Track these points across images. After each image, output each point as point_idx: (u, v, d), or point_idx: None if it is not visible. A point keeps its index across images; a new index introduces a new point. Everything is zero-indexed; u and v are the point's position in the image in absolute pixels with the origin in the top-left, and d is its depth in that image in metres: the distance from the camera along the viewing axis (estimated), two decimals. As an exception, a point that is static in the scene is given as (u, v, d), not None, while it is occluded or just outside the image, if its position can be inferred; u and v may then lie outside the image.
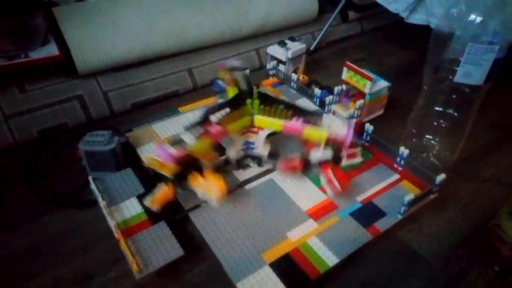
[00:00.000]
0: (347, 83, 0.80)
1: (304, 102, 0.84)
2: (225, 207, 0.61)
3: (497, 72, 0.58)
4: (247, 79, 0.67)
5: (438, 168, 0.68)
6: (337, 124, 0.63)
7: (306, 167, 0.63)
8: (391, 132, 0.76)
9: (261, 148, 0.66)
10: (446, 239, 0.59)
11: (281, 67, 0.91)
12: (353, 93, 0.81)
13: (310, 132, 0.63)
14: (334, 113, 0.81)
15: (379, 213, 0.61)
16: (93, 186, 0.61)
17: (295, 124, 0.63)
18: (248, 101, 0.65)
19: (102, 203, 0.58)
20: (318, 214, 0.60)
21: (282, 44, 0.89)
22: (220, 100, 0.75)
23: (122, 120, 0.80)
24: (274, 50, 0.90)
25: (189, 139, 0.61)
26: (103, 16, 0.82)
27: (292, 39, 0.91)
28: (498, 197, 0.65)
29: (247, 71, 0.71)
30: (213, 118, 0.64)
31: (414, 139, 0.72)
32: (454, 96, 0.65)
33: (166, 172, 0.58)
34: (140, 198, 0.61)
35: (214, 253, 0.54)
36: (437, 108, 0.68)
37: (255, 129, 0.67)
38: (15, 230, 0.58)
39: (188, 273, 0.53)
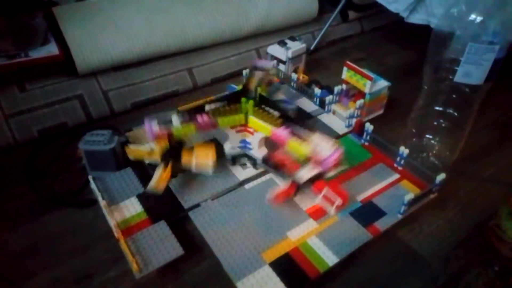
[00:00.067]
0: (347, 83, 0.80)
1: (304, 102, 0.84)
2: (225, 206, 0.61)
3: (497, 72, 0.58)
4: (260, 82, 0.67)
5: (438, 168, 0.68)
6: (324, 144, 0.59)
7: (298, 190, 0.60)
8: (391, 132, 0.76)
9: (256, 150, 0.66)
10: (446, 239, 0.59)
11: (281, 67, 0.91)
12: (353, 93, 0.81)
13: (293, 145, 0.61)
14: (334, 112, 0.81)
15: (379, 213, 0.61)
16: (93, 185, 0.61)
17: (282, 133, 0.62)
18: (243, 100, 0.65)
19: (102, 203, 0.58)
20: (318, 213, 0.60)
21: (282, 43, 0.89)
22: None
23: (122, 119, 0.80)
24: (274, 49, 0.90)
25: (176, 122, 0.62)
26: (103, 16, 0.82)
27: (292, 38, 0.91)
28: (498, 197, 0.65)
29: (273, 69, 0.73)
30: (207, 107, 0.64)
31: (414, 139, 0.72)
32: (454, 96, 0.65)
33: (153, 158, 0.59)
34: (140, 197, 0.61)
35: (214, 252, 0.54)
36: (437, 108, 0.68)
37: (251, 129, 0.67)
38: (15, 229, 0.58)
39: (188, 272, 0.53)
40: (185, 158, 0.60)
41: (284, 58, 0.89)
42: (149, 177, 0.64)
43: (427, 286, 0.53)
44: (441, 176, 0.62)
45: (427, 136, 0.71)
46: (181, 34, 0.86)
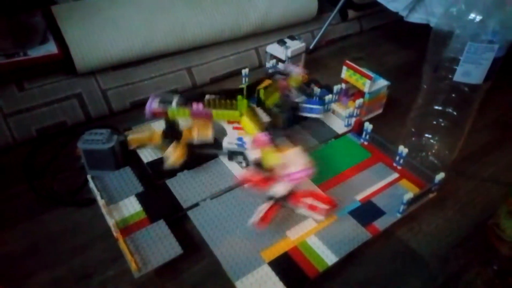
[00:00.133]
0: (346, 82, 0.80)
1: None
2: (224, 206, 0.61)
3: (497, 71, 0.58)
4: (214, 90, 0.67)
5: (437, 167, 0.68)
6: (297, 161, 0.56)
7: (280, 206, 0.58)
8: (391, 131, 0.76)
9: (250, 151, 0.65)
10: (445, 238, 0.59)
11: (281, 66, 0.91)
12: (353, 92, 0.81)
13: (266, 153, 0.59)
14: (333, 112, 0.81)
15: (378, 212, 0.61)
16: (92, 184, 0.61)
17: (262, 138, 0.60)
18: (239, 97, 0.63)
19: (101, 202, 0.58)
20: (317, 213, 0.60)
21: (282, 43, 0.89)
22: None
23: (121, 118, 0.80)
24: (274, 49, 0.90)
25: (174, 104, 0.63)
26: (102, 15, 0.82)
27: (292, 37, 0.91)
28: (497, 196, 0.65)
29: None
30: (207, 97, 0.64)
31: (413, 138, 0.72)
32: (453, 95, 0.65)
33: (154, 143, 0.63)
34: (139, 196, 0.61)
35: (213, 251, 0.54)
36: (436, 107, 0.68)
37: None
38: (14, 228, 0.58)
39: (187, 271, 0.53)
40: (185, 135, 0.63)
41: (283, 57, 0.89)
42: (149, 176, 0.64)
43: (426, 286, 0.53)
44: (440, 176, 0.62)
45: (427, 135, 0.71)
46: (180, 33, 0.86)
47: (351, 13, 1.15)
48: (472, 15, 0.56)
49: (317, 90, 0.83)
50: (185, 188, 0.63)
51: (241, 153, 0.67)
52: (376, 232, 0.58)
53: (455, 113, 0.67)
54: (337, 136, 0.76)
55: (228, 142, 0.66)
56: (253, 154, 0.64)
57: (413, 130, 0.72)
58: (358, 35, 1.18)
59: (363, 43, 1.14)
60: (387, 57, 1.07)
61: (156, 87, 0.85)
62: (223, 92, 0.65)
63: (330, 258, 0.54)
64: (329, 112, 0.81)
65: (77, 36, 0.77)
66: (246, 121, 0.63)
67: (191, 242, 0.56)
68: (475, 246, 0.58)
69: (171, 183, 0.64)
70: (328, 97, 0.80)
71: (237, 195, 0.63)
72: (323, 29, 1.07)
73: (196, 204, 0.61)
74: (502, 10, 0.55)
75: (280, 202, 0.56)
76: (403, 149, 0.67)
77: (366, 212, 0.60)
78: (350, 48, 1.11)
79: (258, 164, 0.62)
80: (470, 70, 0.58)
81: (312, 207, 0.57)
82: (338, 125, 0.78)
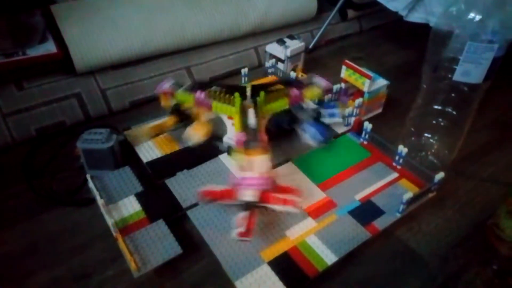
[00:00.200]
0: (346, 82, 0.80)
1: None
2: (223, 205, 0.60)
3: (496, 71, 0.58)
4: (220, 83, 0.69)
5: (437, 167, 0.68)
6: (257, 168, 0.55)
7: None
8: (390, 131, 0.76)
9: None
10: (444, 238, 0.59)
11: (280, 65, 0.91)
12: (352, 92, 0.81)
13: (237, 153, 0.59)
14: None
15: (377, 212, 0.61)
16: (91, 184, 0.61)
17: (237, 138, 0.59)
18: (236, 94, 0.62)
19: (100, 202, 0.58)
20: (316, 212, 0.60)
21: (281, 42, 0.89)
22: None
23: (120, 118, 0.79)
24: (273, 48, 0.90)
25: (182, 87, 0.66)
26: (101, 14, 0.82)
27: (291, 37, 0.91)
28: (497, 196, 0.65)
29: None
30: (214, 88, 0.65)
31: (413, 138, 0.72)
32: (453, 95, 0.65)
33: (168, 126, 0.67)
34: (139, 196, 0.61)
35: (213, 251, 0.54)
36: (436, 107, 0.68)
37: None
38: (13, 228, 0.58)
39: (186, 271, 0.53)
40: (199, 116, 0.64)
41: (282, 57, 0.89)
42: (148, 176, 0.64)
43: (426, 285, 0.53)
44: (439, 175, 0.62)
45: (426, 135, 0.71)
46: (179, 33, 0.86)
47: (350, 13, 1.15)
48: (471, 15, 0.56)
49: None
50: (184, 188, 0.63)
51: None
52: (375, 232, 0.58)
53: (454, 112, 0.67)
54: (337, 136, 0.76)
55: (228, 138, 0.66)
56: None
57: (412, 129, 0.72)
58: (357, 35, 1.18)
59: (362, 42, 1.14)
60: (386, 57, 1.07)
61: (155, 87, 0.84)
62: (229, 87, 0.65)
63: (329, 257, 0.54)
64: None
65: (76, 35, 0.77)
66: (236, 118, 0.63)
67: (191, 242, 0.56)
68: (474, 246, 0.58)
69: (171, 182, 0.64)
70: (328, 97, 0.80)
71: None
72: (322, 29, 1.07)
73: (196, 204, 0.61)
74: (502, 9, 0.55)
75: (255, 207, 0.55)
76: (402, 149, 0.67)
77: (366, 212, 0.60)
78: (350, 47, 1.11)
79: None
80: (470, 70, 0.58)
81: (285, 201, 0.55)
82: (338, 125, 0.78)
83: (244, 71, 0.88)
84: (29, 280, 0.51)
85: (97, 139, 0.62)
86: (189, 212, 0.59)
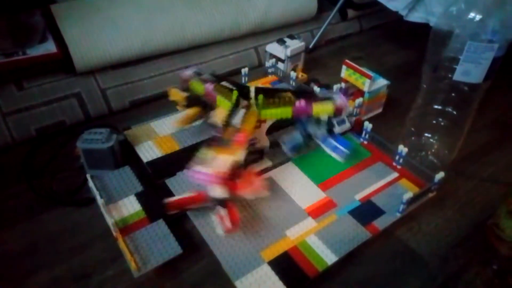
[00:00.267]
0: (346, 81, 0.80)
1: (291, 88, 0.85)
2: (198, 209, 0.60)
3: (496, 70, 0.58)
4: (231, 80, 0.67)
5: (437, 167, 0.68)
6: (215, 166, 0.54)
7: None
8: (390, 131, 0.76)
9: (263, 141, 0.66)
10: (444, 238, 0.59)
11: (280, 65, 0.91)
12: (352, 91, 0.81)
13: (318, 106, 0.62)
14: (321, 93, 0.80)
15: (377, 212, 0.61)
16: (91, 184, 0.61)
17: (302, 105, 0.61)
18: (234, 92, 0.63)
19: (100, 201, 0.58)
20: (317, 212, 0.60)
21: (281, 42, 0.89)
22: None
23: (120, 118, 0.79)
24: (273, 48, 0.90)
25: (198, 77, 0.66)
26: (101, 14, 0.82)
27: (291, 37, 0.91)
28: (497, 196, 0.65)
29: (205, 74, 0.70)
30: (223, 83, 0.65)
31: (413, 138, 0.72)
32: (453, 95, 0.65)
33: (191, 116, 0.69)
34: (139, 196, 0.61)
35: (213, 251, 0.54)
36: (436, 107, 0.68)
37: (258, 124, 0.66)
38: (13, 228, 0.58)
39: (186, 271, 0.53)
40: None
41: (283, 57, 0.89)
42: (148, 176, 0.64)
43: (426, 285, 0.53)
44: (440, 175, 0.62)
45: (426, 134, 0.71)
46: (179, 33, 0.86)
47: (350, 13, 1.15)
48: (471, 15, 0.56)
49: (316, 89, 0.82)
50: (184, 188, 0.63)
51: (249, 153, 0.66)
52: (375, 232, 0.58)
53: (454, 112, 0.67)
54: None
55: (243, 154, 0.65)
56: (266, 141, 0.67)
57: (412, 129, 0.72)
58: (357, 35, 1.18)
59: (362, 42, 1.14)
60: (386, 57, 1.07)
61: (155, 86, 0.85)
62: (237, 85, 0.65)
63: (329, 257, 0.54)
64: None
65: (76, 35, 0.77)
66: (270, 111, 0.63)
67: (191, 242, 0.56)
68: (474, 246, 0.58)
69: (171, 182, 0.64)
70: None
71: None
72: (322, 29, 1.07)
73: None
74: (502, 9, 0.55)
75: (228, 200, 0.55)
76: (402, 149, 0.67)
77: (366, 212, 0.60)
78: (350, 47, 1.11)
79: (274, 144, 0.67)
80: (470, 70, 0.58)
81: (221, 218, 0.54)
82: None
83: (244, 71, 0.88)
84: (29, 280, 0.51)
85: (97, 139, 0.62)
86: (189, 212, 0.59)
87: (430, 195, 0.64)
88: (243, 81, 0.88)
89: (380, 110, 0.83)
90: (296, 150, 0.63)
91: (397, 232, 0.59)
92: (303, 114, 0.63)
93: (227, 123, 0.60)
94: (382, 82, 0.78)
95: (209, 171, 0.53)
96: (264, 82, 0.90)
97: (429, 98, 0.68)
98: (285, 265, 0.53)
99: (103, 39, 0.78)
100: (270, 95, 0.64)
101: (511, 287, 0.53)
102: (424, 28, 0.77)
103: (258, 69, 0.97)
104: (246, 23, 0.93)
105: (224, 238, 0.56)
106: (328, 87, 0.85)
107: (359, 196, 0.63)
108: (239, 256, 0.53)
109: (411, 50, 1.09)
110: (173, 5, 0.87)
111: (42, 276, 0.52)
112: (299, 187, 0.64)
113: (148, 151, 0.69)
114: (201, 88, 0.66)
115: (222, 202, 0.54)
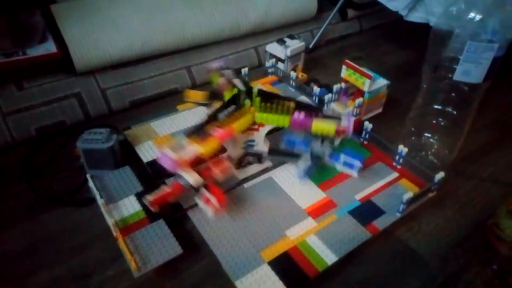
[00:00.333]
0: (346, 81, 0.80)
1: (303, 100, 0.84)
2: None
3: (496, 70, 0.58)
4: (242, 79, 0.66)
5: (437, 167, 0.68)
6: (181, 152, 0.55)
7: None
8: (390, 131, 0.76)
9: (261, 145, 0.66)
10: (444, 238, 0.59)
11: (280, 65, 0.91)
12: (352, 91, 0.81)
13: (318, 124, 0.60)
14: (333, 111, 0.81)
15: (377, 212, 0.61)
16: (91, 184, 0.61)
17: (301, 118, 0.60)
18: (246, 101, 0.63)
19: (100, 201, 0.58)
20: (317, 212, 0.60)
21: (281, 42, 0.89)
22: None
23: (120, 118, 0.79)
24: (273, 48, 0.90)
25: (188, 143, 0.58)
26: (101, 14, 0.82)
27: (291, 37, 0.91)
28: (497, 196, 0.65)
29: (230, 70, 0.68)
30: (220, 115, 0.63)
31: (413, 138, 0.72)
32: (453, 95, 0.65)
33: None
34: (139, 196, 0.61)
35: (213, 251, 0.54)
36: (436, 107, 0.68)
37: (256, 126, 0.66)
38: (13, 228, 0.58)
39: (186, 271, 0.53)
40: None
41: (283, 57, 0.89)
42: (148, 176, 0.64)
43: (426, 285, 0.53)
44: (440, 175, 0.62)
45: (426, 134, 0.71)
46: (179, 33, 0.86)
47: (350, 13, 1.15)
48: (471, 15, 0.56)
49: (316, 89, 0.82)
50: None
51: (249, 154, 0.67)
52: (375, 232, 0.58)
53: (454, 112, 0.67)
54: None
55: (234, 152, 0.66)
56: (264, 146, 0.67)
57: (412, 129, 0.72)
58: (357, 35, 1.18)
59: (362, 42, 1.14)
60: (386, 57, 1.07)
61: (155, 86, 0.85)
62: (244, 83, 0.66)
63: (329, 257, 0.54)
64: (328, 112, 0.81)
65: (76, 35, 0.77)
66: (266, 115, 0.63)
67: (191, 242, 0.56)
68: (474, 246, 0.58)
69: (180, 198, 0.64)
70: (328, 97, 0.79)
71: (237, 194, 0.63)
72: (322, 29, 1.07)
73: (196, 204, 0.61)
74: (502, 9, 0.55)
75: (210, 182, 0.57)
76: (402, 149, 0.67)
77: (366, 212, 0.60)
78: (350, 47, 1.11)
79: (273, 152, 0.66)
80: (470, 70, 0.58)
81: (207, 201, 0.56)
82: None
83: (244, 70, 0.88)
84: (29, 280, 0.51)
85: (97, 139, 0.62)
86: (189, 212, 0.59)
87: (430, 195, 0.64)
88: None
89: (380, 110, 0.83)
90: (309, 175, 0.62)
91: (397, 232, 0.59)
92: (300, 127, 0.61)
93: (213, 117, 0.60)
94: (382, 82, 0.78)
95: (173, 156, 0.54)
96: (264, 82, 0.90)
97: (429, 98, 0.68)
98: (285, 265, 0.53)
99: (103, 39, 0.78)
100: (271, 100, 0.63)
101: (511, 287, 0.53)
102: (424, 28, 0.77)
103: (258, 69, 0.97)
104: (246, 23, 0.93)
105: (225, 238, 0.56)
106: (328, 87, 0.85)
107: (359, 196, 0.63)
108: (239, 256, 0.53)
109: (411, 50, 1.09)
110: (173, 5, 0.87)
111: (42, 276, 0.52)
112: (299, 187, 0.64)
113: (148, 151, 0.69)
114: (217, 80, 0.66)
115: (206, 186, 0.56)
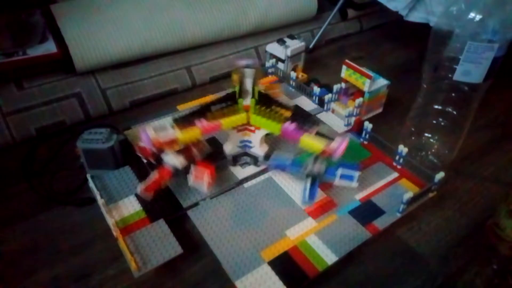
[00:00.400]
0: (346, 81, 0.79)
1: (303, 100, 0.84)
2: (224, 205, 0.61)
3: (496, 70, 0.58)
4: (254, 79, 0.66)
5: (437, 167, 0.68)
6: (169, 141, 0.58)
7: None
8: (390, 131, 0.76)
9: (258, 148, 0.66)
10: (444, 238, 0.59)
11: (280, 65, 0.91)
12: (352, 91, 0.81)
13: (306, 140, 0.59)
14: (333, 111, 0.81)
15: (378, 211, 0.61)
16: (91, 184, 0.61)
17: (291, 128, 0.60)
18: (240, 100, 0.63)
19: (100, 201, 0.58)
20: (317, 212, 0.60)
21: (281, 42, 0.89)
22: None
23: (120, 118, 0.79)
24: (273, 48, 0.90)
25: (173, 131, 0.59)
26: (101, 14, 0.82)
27: (291, 37, 0.91)
28: (497, 196, 0.65)
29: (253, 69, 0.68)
30: (213, 108, 0.64)
31: (413, 138, 0.72)
32: (453, 95, 0.65)
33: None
34: (139, 196, 0.61)
35: (213, 251, 0.54)
36: (436, 107, 0.68)
37: (253, 128, 0.66)
38: (13, 228, 0.58)
39: (186, 271, 0.53)
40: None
41: (283, 57, 0.89)
42: (148, 175, 0.64)
43: (426, 285, 0.53)
44: (440, 175, 0.62)
45: (426, 134, 0.71)
46: (180, 33, 0.86)
47: (351, 12, 1.15)
48: (472, 14, 0.56)
49: (316, 89, 0.82)
50: (185, 187, 0.63)
51: (245, 154, 0.67)
52: (376, 232, 0.58)
53: (455, 112, 0.67)
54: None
55: (231, 148, 0.66)
56: (261, 150, 0.66)
57: (413, 129, 0.72)
58: (358, 35, 1.18)
59: (363, 42, 1.14)
60: (387, 57, 1.07)
61: (155, 86, 0.85)
62: (221, 100, 0.66)
63: (330, 257, 0.54)
64: (329, 112, 0.81)
65: (76, 35, 0.77)
66: (259, 119, 0.63)
67: (191, 242, 0.56)
68: (474, 245, 0.58)
69: (171, 182, 0.64)
70: (328, 97, 0.79)
71: (237, 194, 0.63)
72: (322, 29, 1.07)
73: (196, 204, 0.61)
74: (502, 9, 0.55)
75: (196, 159, 0.61)
76: (403, 149, 0.67)
77: (366, 212, 0.60)
78: (350, 47, 1.11)
79: (269, 157, 0.66)
80: (470, 70, 0.58)
81: (199, 177, 0.59)
82: (338, 125, 0.78)
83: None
84: (29, 280, 0.51)
85: (97, 139, 0.62)
86: (189, 212, 0.59)
87: (430, 195, 0.64)
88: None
89: (380, 110, 0.83)
90: (313, 197, 0.61)
91: (397, 232, 0.59)
92: (289, 138, 0.61)
93: (206, 108, 0.62)
94: (382, 82, 0.78)
95: (150, 134, 0.57)
96: (264, 82, 0.90)
97: (429, 98, 0.68)
98: (285, 265, 0.53)
99: (103, 39, 0.78)
100: (268, 104, 0.63)
101: (511, 287, 0.53)
102: (424, 28, 0.77)
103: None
104: (246, 23, 0.93)
105: (225, 238, 0.56)
106: (328, 87, 0.85)
107: (359, 196, 0.63)
108: (239, 256, 0.53)
109: (411, 50, 1.09)
110: (173, 5, 0.87)
111: (42, 276, 0.52)
112: (299, 187, 0.64)
113: (148, 151, 0.69)
114: (234, 77, 0.67)
115: (186, 168, 0.59)
